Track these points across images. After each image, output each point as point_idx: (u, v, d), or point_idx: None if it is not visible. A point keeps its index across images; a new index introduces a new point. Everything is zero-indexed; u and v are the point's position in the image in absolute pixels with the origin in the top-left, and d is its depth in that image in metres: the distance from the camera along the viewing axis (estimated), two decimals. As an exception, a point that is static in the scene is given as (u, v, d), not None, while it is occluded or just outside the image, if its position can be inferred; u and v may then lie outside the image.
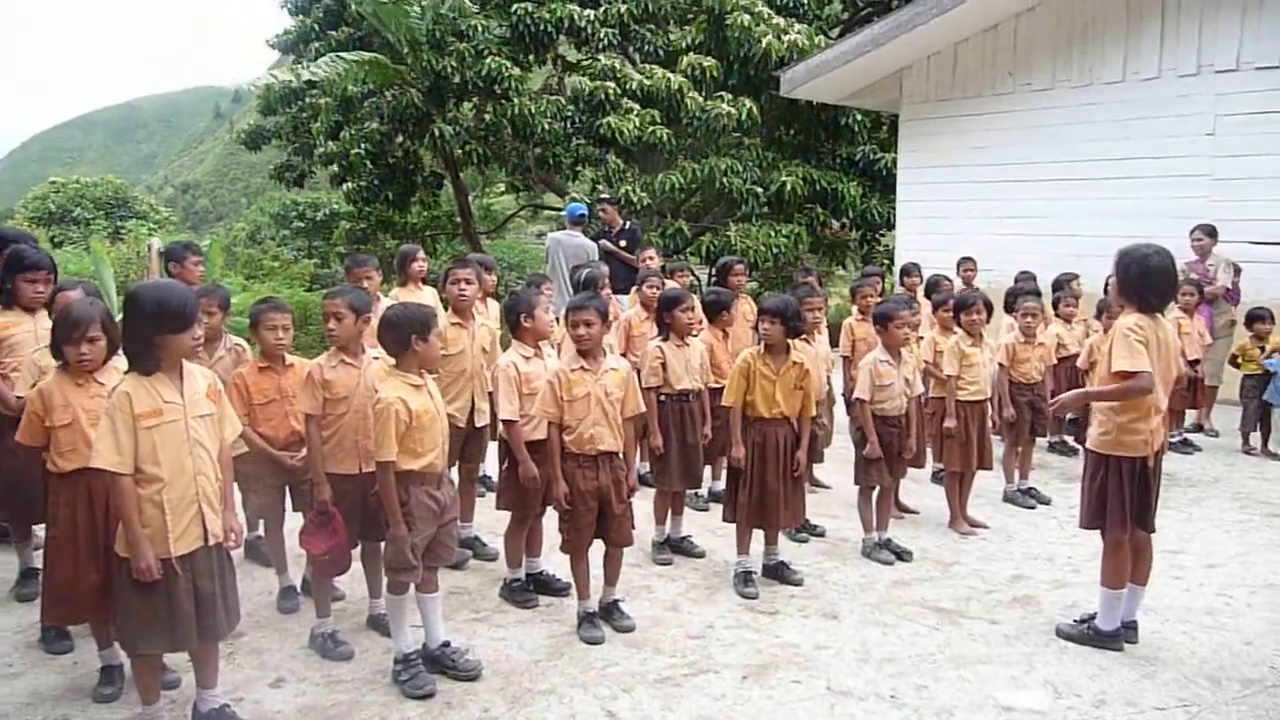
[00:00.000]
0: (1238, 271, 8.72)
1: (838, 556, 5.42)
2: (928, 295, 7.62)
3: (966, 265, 8.93)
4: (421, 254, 6.57)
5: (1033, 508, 6.36)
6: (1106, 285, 7.18)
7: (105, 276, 11.96)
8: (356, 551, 4.24)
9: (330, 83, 14.63)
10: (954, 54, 11.43)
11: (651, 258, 7.54)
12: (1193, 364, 7.87)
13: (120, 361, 3.53)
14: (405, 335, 3.74)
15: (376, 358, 4.20)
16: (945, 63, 11.53)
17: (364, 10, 14.56)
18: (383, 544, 3.94)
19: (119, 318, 3.62)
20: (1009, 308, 7.01)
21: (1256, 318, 8.02)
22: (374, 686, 3.81)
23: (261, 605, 4.59)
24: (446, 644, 3.93)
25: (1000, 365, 6.49)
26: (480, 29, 14.89)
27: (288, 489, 4.49)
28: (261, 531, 5.00)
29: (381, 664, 3.96)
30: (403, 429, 3.65)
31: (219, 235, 32.12)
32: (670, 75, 14.22)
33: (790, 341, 4.84)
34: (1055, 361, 7.15)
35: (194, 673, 3.49)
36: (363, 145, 15.96)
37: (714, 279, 6.90)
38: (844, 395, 6.85)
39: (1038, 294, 6.95)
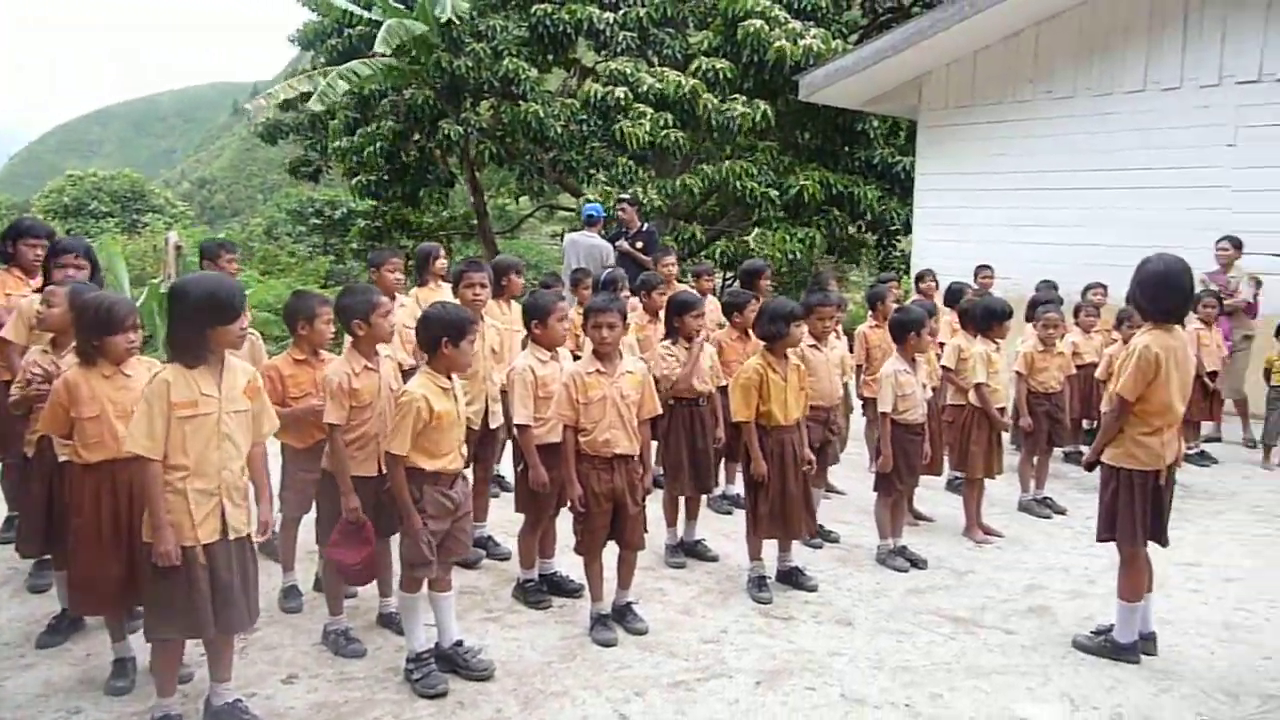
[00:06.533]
0: (1259, 285, 8.66)
1: (852, 563, 5.40)
2: (948, 303, 7.58)
3: (984, 273, 8.89)
4: (442, 252, 6.58)
5: (1048, 517, 6.32)
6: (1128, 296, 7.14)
7: (119, 270, 12.02)
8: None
9: (343, 91, 14.59)
10: (974, 61, 11.37)
11: (671, 263, 7.55)
12: (1211, 376, 7.81)
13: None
14: (437, 337, 3.75)
15: (388, 355, 4.21)
16: (965, 70, 11.47)
17: (378, 13, 14.57)
18: (396, 540, 3.94)
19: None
20: (1031, 317, 6.96)
21: (1281, 331, 7.94)
22: (386, 685, 3.81)
23: (274, 601, 4.60)
24: (459, 643, 3.92)
25: (1019, 374, 6.46)
26: (499, 29, 14.91)
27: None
28: (277, 527, 5.00)
29: (394, 662, 3.96)
30: (420, 426, 3.66)
31: (235, 230, 32.31)
32: (683, 78, 14.19)
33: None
34: (1073, 371, 7.09)
35: (208, 666, 3.49)
36: (378, 144, 15.96)
37: (741, 282, 6.88)
38: (859, 398, 6.86)
39: (1059, 304, 6.90)
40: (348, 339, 4.11)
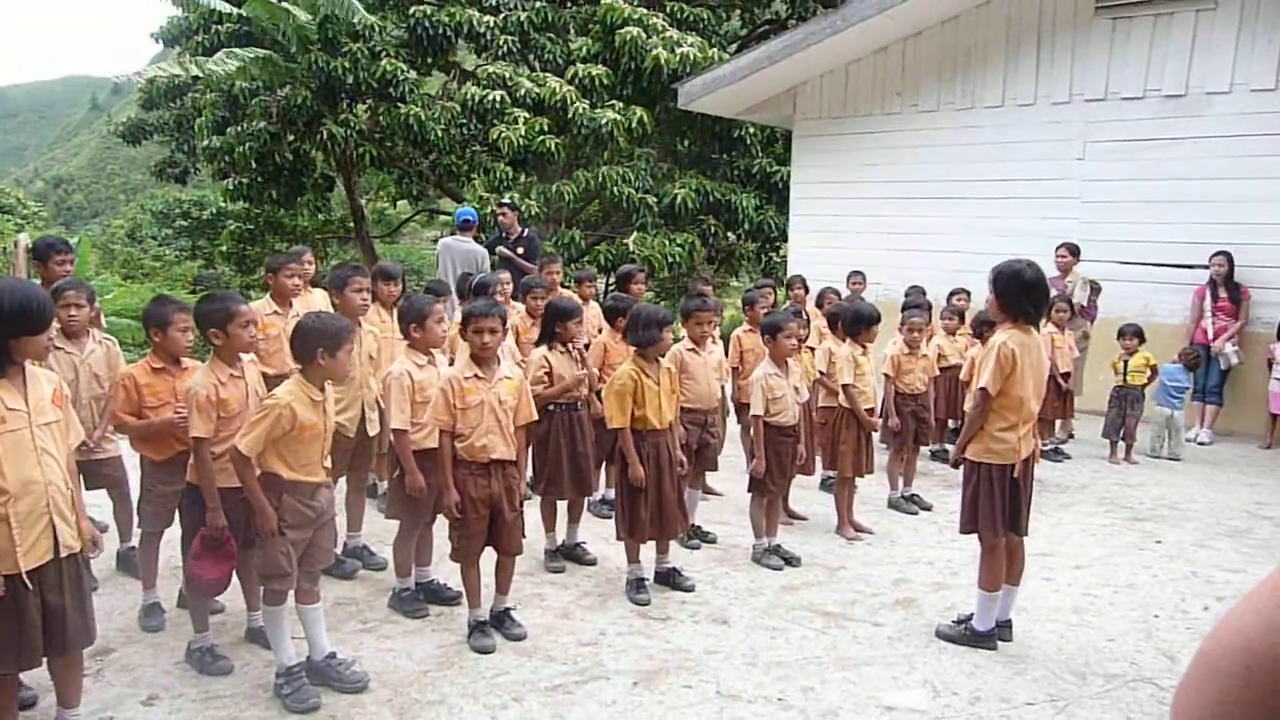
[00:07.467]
0: (1096, 290, 9.23)
1: (728, 563, 5.50)
2: (818, 306, 7.81)
3: (855, 279, 9.18)
4: (308, 255, 6.41)
5: (915, 513, 6.58)
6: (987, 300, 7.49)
7: (-37, 273, 11.28)
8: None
9: (218, 79, 14.09)
10: (846, 74, 11.75)
11: (557, 271, 7.53)
12: (1064, 376, 8.27)
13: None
14: (312, 347, 3.65)
15: (251, 360, 4.09)
16: (838, 82, 11.85)
17: (248, 10, 14.09)
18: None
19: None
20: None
21: (1122, 333, 8.48)
22: (254, 702, 3.69)
23: (134, 620, 4.40)
24: (332, 655, 3.83)
25: (886, 376, 6.71)
26: (377, 30, 14.62)
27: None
28: (135, 542, 4.79)
29: (263, 679, 3.84)
30: (280, 434, 3.56)
31: (94, 232, 30.62)
32: (559, 84, 14.19)
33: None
34: (937, 373, 7.41)
35: (55, 692, 3.31)
36: (248, 144, 15.35)
37: (615, 286, 6.94)
38: (733, 402, 6.98)
39: (927, 308, 7.18)
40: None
